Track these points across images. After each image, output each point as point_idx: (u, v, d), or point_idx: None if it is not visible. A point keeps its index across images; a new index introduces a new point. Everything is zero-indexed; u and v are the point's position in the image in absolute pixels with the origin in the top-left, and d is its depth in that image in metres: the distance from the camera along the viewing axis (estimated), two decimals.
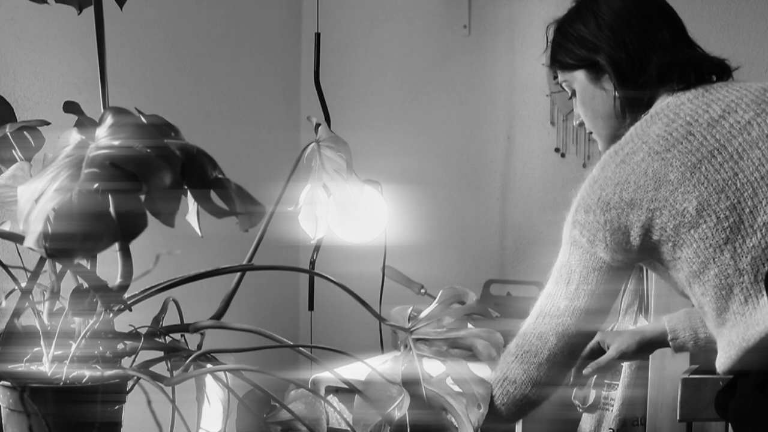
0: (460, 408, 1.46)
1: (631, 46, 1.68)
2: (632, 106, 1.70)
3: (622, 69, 1.69)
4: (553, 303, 1.64)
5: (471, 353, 1.51)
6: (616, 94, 1.70)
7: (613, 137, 1.71)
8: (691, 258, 1.59)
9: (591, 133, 1.80)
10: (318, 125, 1.57)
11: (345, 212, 1.56)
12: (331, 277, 1.47)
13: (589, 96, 1.74)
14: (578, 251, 1.65)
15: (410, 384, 1.47)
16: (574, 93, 1.77)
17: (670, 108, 1.64)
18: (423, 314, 1.50)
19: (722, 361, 1.60)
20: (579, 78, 1.74)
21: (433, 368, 1.50)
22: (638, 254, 1.63)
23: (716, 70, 1.70)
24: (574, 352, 1.66)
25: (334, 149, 1.55)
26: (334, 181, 1.55)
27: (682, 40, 1.72)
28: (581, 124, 1.80)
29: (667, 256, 1.61)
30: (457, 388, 1.48)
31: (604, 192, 1.61)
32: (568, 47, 1.74)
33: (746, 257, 1.55)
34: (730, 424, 1.84)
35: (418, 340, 1.48)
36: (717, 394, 1.65)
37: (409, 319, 1.51)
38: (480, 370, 1.52)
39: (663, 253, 1.61)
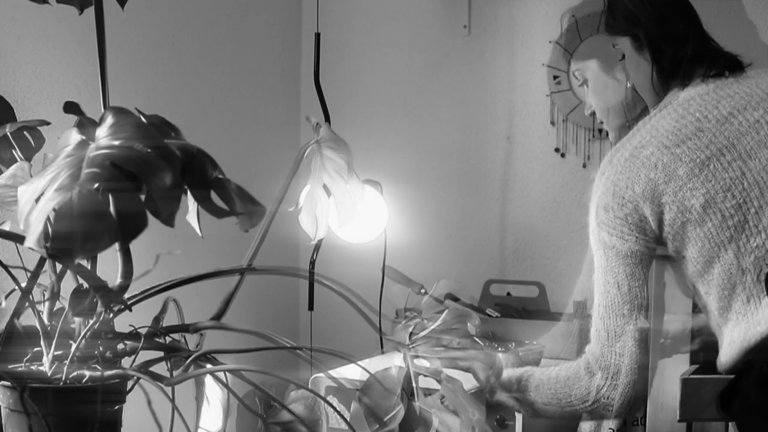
0: (455, 427, 1.46)
1: (672, 24, 1.71)
2: (666, 82, 1.72)
3: (658, 45, 1.72)
4: (615, 315, 1.63)
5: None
6: (654, 67, 1.73)
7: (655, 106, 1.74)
8: (695, 257, 1.60)
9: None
10: (318, 125, 1.56)
11: (345, 213, 1.56)
12: (330, 284, 1.46)
13: (635, 64, 1.77)
14: (612, 252, 1.64)
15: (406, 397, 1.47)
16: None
17: (680, 103, 1.66)
18: (424, 333, 1.49)
19: (724, 360, 1.61)
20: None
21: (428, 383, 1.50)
22: (662, 241, 1.64)
23: (728, 65, 1.71)
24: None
25: (335, 149, 1.54)
26: (335, 182, 1.55)
27: (697, 35, 1.73)
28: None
29: (674, 254, 1.63)
30: (452, 408, 1.48)
31: (617, 187, 1.63)
32: (615, 15, 1.77)
33: (749, 257, 1.55)
34: (731, 424, 1.84)
35: (416, 356, 1.47)
36: (720, 393, 1.65)
37: (405, 310, 1.51)
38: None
39: (670, 250, 1.63)
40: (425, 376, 1.47)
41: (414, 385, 1.46)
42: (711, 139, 1.60)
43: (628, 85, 1.76)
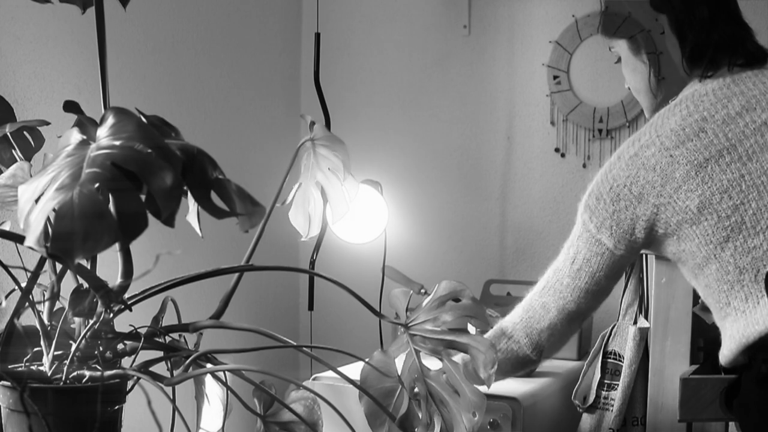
0: (456, 406, 1.46)
1: (697, 9, 1.70)
2: (691, 68, 1.71)
3: (683, 29, 1.71)
4: (557, 278, 1.75)
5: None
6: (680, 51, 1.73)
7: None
8: (694, 252, 1.61)
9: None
10: (313, 123, 1.57)
11: (339, 210, 1.56)
12: (329, 276, 1.47)
13: (671, 43, 1.75)
14: (586, 234, 1.71)
15: (410, 377, 1.47)
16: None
17: (694, 98, 1.65)
18: (421, 308, 1.50)
19: (724, 353, 1.62)
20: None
21: (430, 363, 1.50)
22: (642, 246, 1.69)
23: (752, 56, 1.69)
24: (573, 324, 1.77)
25: (330, 148, 1.54)
26: (328, 180, 1.55)
27: (726, 18, 1.71)
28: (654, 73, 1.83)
29: (673, 248, 1.64)
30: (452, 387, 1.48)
31: (616, 183, 1.65)
32: None
33: (747, 257, 1.56)
34: (731, 424, 1.84)
35: (415, 335, 1.48)
36: (722, 391, 1.66)
37: (407, 310, 1.51)
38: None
39: (669, 245, 1.64)
40: (426, 353, 1.48)
41: (417, 363, 1.46)
42: (712, 140, 1.60)
43: (651, 70, 1.75)
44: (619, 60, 1.83)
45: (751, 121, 1.60)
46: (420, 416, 1.47)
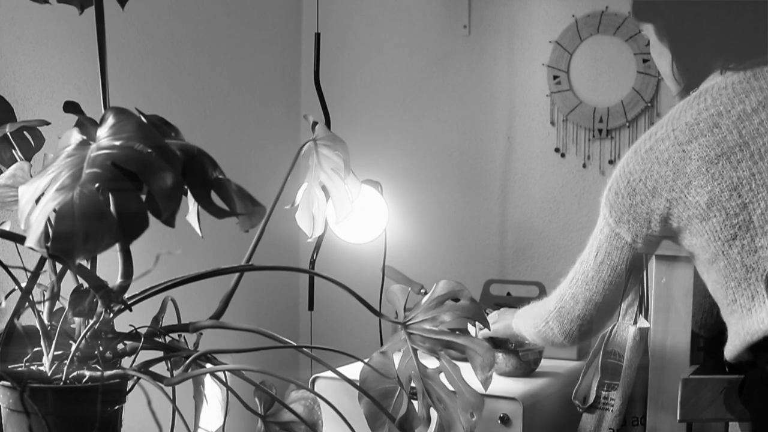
0: (453, 405, 1.46)
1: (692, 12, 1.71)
2: (712, 56, 1.72)
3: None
4: (583, 270, 1.80)
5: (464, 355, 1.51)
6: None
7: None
8: (704, 247, 1.62)
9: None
10: (315, 124, 1.57)
11: (342, 210, 1.56)
12: (329, 276, 1.47)
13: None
14: (606, 228, 1.75)
15: (406, 373, 1.47)
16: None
17: (713, 91, 1.65)
18: (419, 306, 1.50)
19: (729, 349, 1.63)
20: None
21: (428, 362, 1.50)
22: (659, 239, 1.73)
23: None
24: (603, 314, 1.83)
25: (332, 148, 1.55)
26: (332, 180, 1.55)
27: (749, 7, 1.71)
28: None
29: (687, 241, 1.66)
30: (450, 387, 1.48)
31: (632, 177, 1.67)
32: None
33: (754, 256, 1.56)
34: (731, 423, 1.84)
35: (413, 334, 1.48)
36: (724, 390, 1.67)
37: (405, 309, 1.51)
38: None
39: (684, 238, 1.66)
40: (424, 352, 1.48)
41: (414, 362, 1.46)
42: (725, 136, 1.60)
43: (671, 55, 1.75)
44: (648, 43, 1.83)
45: (766, 119, 1.60)
46: (418, 413, 1.47)
